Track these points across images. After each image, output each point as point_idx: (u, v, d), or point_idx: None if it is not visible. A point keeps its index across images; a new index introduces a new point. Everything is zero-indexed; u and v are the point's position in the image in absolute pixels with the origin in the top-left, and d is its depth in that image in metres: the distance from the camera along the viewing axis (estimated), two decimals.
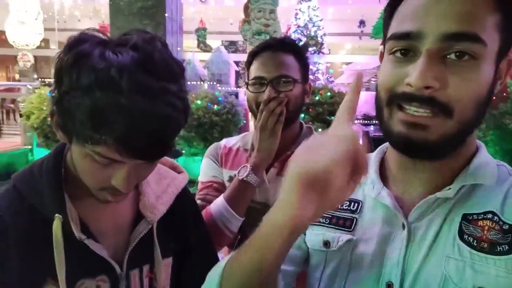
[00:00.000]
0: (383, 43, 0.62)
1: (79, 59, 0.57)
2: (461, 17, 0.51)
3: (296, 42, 1.23)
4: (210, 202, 1.11)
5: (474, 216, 0.56)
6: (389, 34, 0.58)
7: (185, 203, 0.87)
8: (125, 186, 0.64)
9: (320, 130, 3.76)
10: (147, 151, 0.61)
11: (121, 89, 0.56)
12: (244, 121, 4.81)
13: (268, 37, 5.58)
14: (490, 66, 0.53)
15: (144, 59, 0.58)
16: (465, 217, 0.56)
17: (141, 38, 0.61)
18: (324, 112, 3.88)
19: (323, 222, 0.67)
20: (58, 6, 12.34)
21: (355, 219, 0.65)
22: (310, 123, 3.86)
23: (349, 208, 0.66)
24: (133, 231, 0.76)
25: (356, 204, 0.66)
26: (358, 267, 0.61)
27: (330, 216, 0.67)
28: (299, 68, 1.20)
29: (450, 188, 0.57)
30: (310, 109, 3.98)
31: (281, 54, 1.18)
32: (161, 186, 0.82)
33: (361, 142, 0.46)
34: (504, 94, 3.26)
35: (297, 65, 1.20)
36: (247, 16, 7.64)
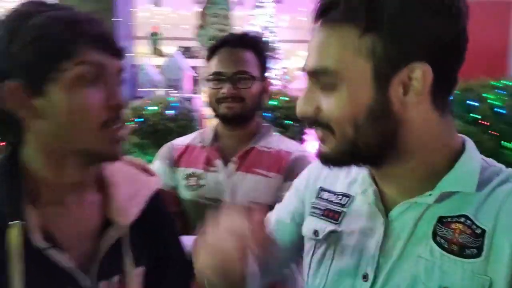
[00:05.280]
0: None
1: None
2: (316, 54, 0.57)
3: (257, 38, 1.22)
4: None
5: (448, 218, 0.58)
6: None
7: (159, 206, 0.81)
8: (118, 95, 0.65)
9: (278, 134, 3.76)
10: (110, 41, 0.65)
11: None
12: (199, 128, 4.73)
13: None
14: (365, 87, 0.55)
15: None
16: (440, 219, 0.58)
17: None
18: (281, 116, 3.89)
19: (317, 214, 0.73)
20: None
21: (343, 213, 0.70)
22: None
23: (340, 202, 0.71)
24: (101, 238, 0.68)
25: (346, 199, 0.71)
26: (341, 256, 0.67)
27: (324, 208, 0.72)
28: (258, 64, 1.18)
29: (431, 194, 0.58)
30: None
31: (240, 50, 1.15)
32: (132, 188, 0.75)
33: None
34: None
35: (256, 62, 1.17)
36: (203, 22, 7.57)
